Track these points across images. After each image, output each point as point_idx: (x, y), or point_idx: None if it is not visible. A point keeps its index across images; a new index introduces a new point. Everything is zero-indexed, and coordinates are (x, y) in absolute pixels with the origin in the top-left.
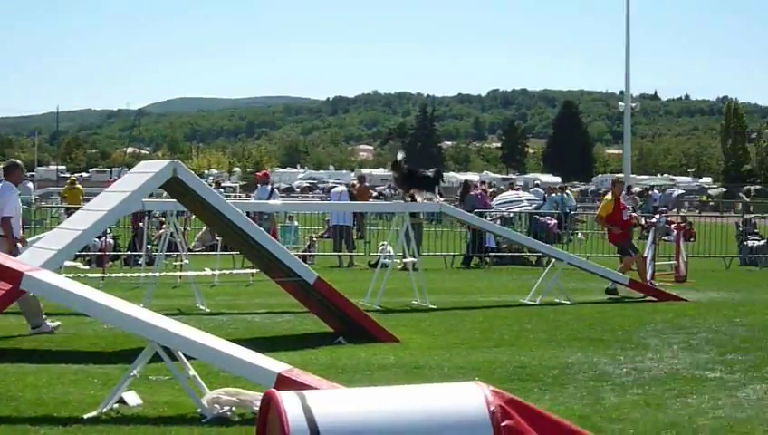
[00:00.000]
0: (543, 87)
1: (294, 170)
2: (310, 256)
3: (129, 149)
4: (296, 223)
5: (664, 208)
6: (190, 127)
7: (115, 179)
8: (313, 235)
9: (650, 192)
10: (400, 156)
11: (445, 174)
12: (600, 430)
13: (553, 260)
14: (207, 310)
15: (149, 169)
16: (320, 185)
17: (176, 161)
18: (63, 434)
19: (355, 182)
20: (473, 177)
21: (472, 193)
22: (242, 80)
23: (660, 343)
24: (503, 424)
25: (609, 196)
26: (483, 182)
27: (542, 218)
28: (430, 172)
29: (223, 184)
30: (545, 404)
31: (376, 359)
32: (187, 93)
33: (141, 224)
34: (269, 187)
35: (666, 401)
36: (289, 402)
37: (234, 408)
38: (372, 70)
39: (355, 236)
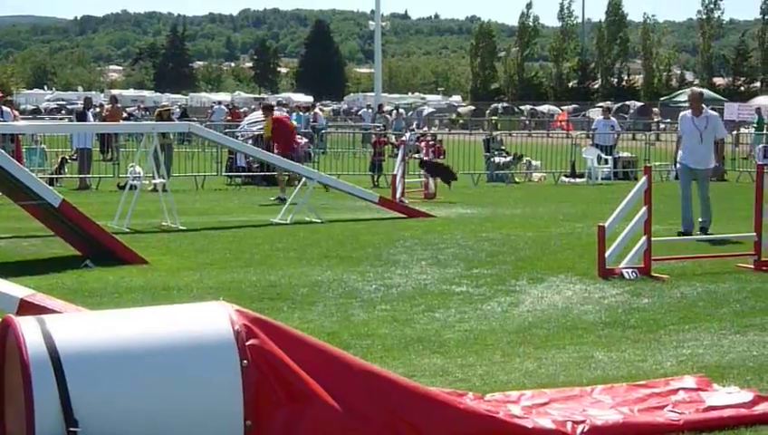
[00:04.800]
0: (295, 6)
1: (42, 92)
2: (58, 178)
3: None
4: (43, 145)
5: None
6: None
7: None
8: (66, 156)
9: (399, 111)
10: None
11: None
12: (349, 346)
13: (304, 179)
14: None
15: None
16: (68, 106)
17: None
18: None
19: (105, 103)
20: (225, 97)
21: None
22: None
23: (409, 260)
24: (248, 343)
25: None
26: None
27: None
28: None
29: None
30: (295, 322)
31: (124, 281)
32: None
33: None
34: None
35: (414, 316)
36: (27, 328)
37: None
38: None
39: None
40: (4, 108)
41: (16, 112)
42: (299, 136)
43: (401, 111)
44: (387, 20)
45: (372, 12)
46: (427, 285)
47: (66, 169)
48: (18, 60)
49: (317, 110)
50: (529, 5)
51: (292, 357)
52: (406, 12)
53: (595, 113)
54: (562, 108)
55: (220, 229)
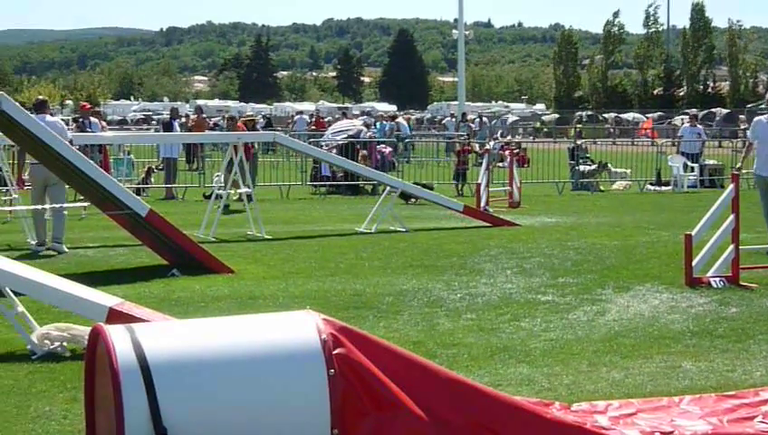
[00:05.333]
0: (379, 15)
1: (128, 102)
2: (144, 188)
3: None
4: (130, 155)
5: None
6: (20, 59)
7: None
8: (152, 166)
9: (483, 119)
10: None
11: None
12: (435, 355)
13: (388, 188)
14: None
15: None
16: (154, 117)
17: (1, 94)
18: None
19: (191, 114)
20: (309, 106)
21: None
22: (73, 11)
23: (494, 269)
24: (334, 352)
25: None
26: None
27: (376, 147)
28: None
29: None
30: (380, 331)
31: (210, 290)
32: (15, 25)
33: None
34: (93, 119)
35: (499, 325)
36: (117, 336)
37: (64, 343)
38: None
39: (192, 168)
40: (92, 119)
41: (104, 123)
42: (383, 145)
43: (485, 119)
44: (470, 29)
45: (456, 20)
46: (512, 294)
47: (152, 179)
48: (105, 71)
49: (401, 119)
50: (616, 13)
51: (378, 366)
52: (489, 20)
53: (681, 121)
54: (647, 116)
55: (305, 238)
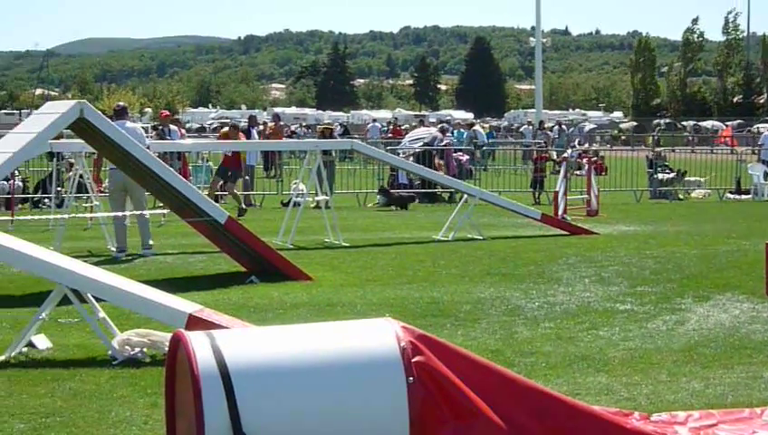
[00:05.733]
0: (455, 23)
1: (206, 110)
2: (222, 195)
3: (38, 91)
4: (208, 163)
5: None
6: (100, 68)
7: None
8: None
9: (561, 126)
10: None
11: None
12: (513, 363)
13: (466, 196)
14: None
15: (56, 109)
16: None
17: (83, 102)
18: None
19: (268, 121)
20: (386, 114)
21: None
22: (153, 20)
23: (572, 277)
24: (413, 360)
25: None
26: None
27: (453, 154)
28: None
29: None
30: (458, 340)
31: (288, 297)
32: (96, 34)
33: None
34: (172, 127)
35: (577, 333)
36: (198, 342)
37: (145, 349)
38: (283, 8)
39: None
40: (172, 126)
41: (183, 131)
42: (460, 153)
43: (564, 126)
44: (547, 36)
45: (533, 28)
46: (590, 303)
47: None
48: (183, 79)
49: (478, 126)
50: (695, 20)
51: (456, 374)
52: (566, 28)
53: (757, 129)
54: (727, 123)
55: (382, 246)
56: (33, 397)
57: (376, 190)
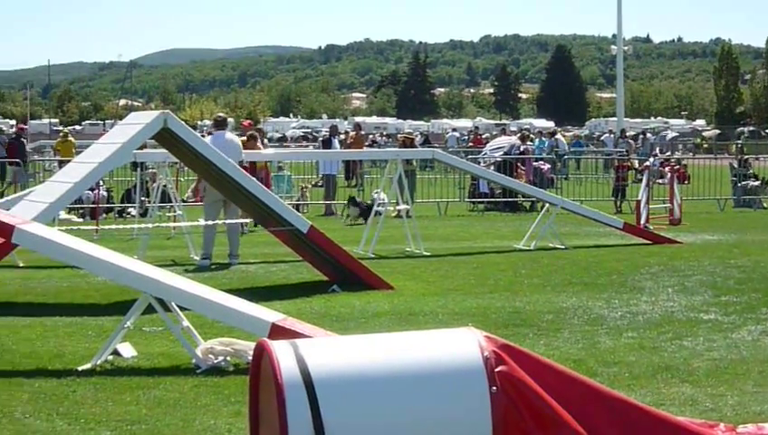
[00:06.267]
0: (536, 32)
1: (288, 120)
2: (303, 204)
3: (122, 102)
4: (288, 172)
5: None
6: (183, 78)
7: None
8: (303, 184)
9: (646, 135)
10: None
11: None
12: (596, 373)
13: (547, 205)
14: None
15: (140, 120)
16: (313, 134)
17: (166, 112)
18: (58, 386)
19: (349, 131)
20: (466, 123)
21: None
22: (234, 30)
23: (655, 286)
24: (496, 370)
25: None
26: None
27: (535, 163)
28: None
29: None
30: (540, 349)
31: (370, 306)
32: (179, 44)
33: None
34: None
35: (661, 343)
36: (282, 351)
37: (228, 358)
38: (364, 17)
39: (350, 184)
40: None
41: (265, 140)
42: (541, 162)
43: (649, 135)
44: (629, 44)
45: (614, 36)
46: (674, 313)
47: (308, 195)
48: (265, 89)
49: (559, 135)
50: None
51: (540, 384)
52: (648, 35)
53: None
54: None
55: (464, 255)
56: (118, 405)
57: (457, 199)
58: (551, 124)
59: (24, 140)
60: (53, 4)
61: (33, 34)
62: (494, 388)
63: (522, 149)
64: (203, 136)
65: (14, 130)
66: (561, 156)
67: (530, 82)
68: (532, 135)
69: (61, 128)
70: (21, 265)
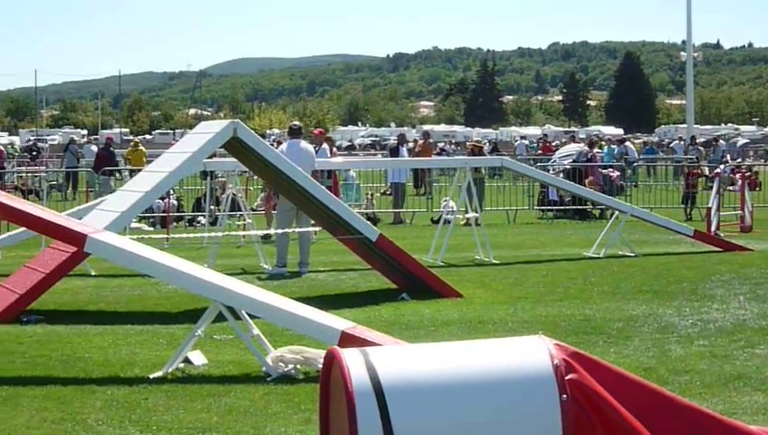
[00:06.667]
0: (604, 39)
1: (356, 128)
2: (372, 212)
3: (192, 111)
4: (357, 181)
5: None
6: (252, 87)
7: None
8: (368, 193)
9: (718, 142)
10: None
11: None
12: (666, 381)
13: (617, 212)
14: (271, 269)
15: (210, 129)
16: (381, 142)
17: (236, 121)
18: (130, 394)
19: (418, 139)
20: (534, 131)
21: None
22: (302, 39)
23: (726, 294)
24: (567, 378)
25: None
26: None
27: (604, 171)
28: None
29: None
30: (610, 357)
31: (440, 314)
32: (248, 54)
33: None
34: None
35: (732, 352)
36: (352, 359)
37: (298, 366)
38: (432, 25)
39: (419, 192)
40: (324, 145)
41: (334, 149)
42: (611, 169)
43: (722, 141)
44: (699, 50)
45: (683, 42)
46: (745, 321)
47: (374, 205)
48: (333, 97)
49: (628, 143)
50: None
51: (611, 393)
52: (718, 41)
53: None
54: None
55: (533, 263)
56: (189, 412)
57: (526, 207)
58: (619, 131)
59: (113, 150)
60: (123, 16)
61: (104, 45)
62: (565, 396)
63: (590, 156)
64: (272, 145)
65: (101, 139)
66: (631, 163)
67: (598, 89)
68: (602, 142)
69: (131, 137)
70: (93, 273)
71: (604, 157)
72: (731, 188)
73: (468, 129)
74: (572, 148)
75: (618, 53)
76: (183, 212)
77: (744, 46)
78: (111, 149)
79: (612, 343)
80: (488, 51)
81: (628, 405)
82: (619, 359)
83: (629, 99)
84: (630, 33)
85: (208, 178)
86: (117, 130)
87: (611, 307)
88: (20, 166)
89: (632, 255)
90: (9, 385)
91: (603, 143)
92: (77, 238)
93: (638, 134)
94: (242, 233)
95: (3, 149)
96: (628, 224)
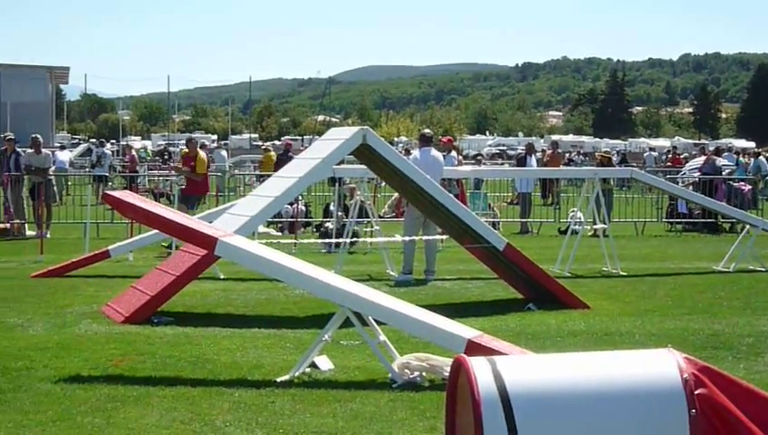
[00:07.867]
0: (737, 50)
1: (483, 137)
2: (497, 222)
3: (320, 117)
4: (484, 190)
5: None
6: (380, 95)
7: (306, 147)
8: (491, 203)
9: None
10: None
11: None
12: None
13: (748, 226)
14: (397, 276)
15: (339, 135)
16: (508, 152)
17: (365, 128)
18: (257, 397)
19: (546, 149)
20: (664, 143)
21: None
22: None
23: None
24: (696, 392)
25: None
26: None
27: (735, 184)
28: None
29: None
30: (740, 373)
31: (566, 325)
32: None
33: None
34: (452, 153)
35: None
36: (479, 368)
37: (424, 373)
38: (561, 35)
39: (547, 203)
40: (452, 153)
41: (461, 157)
42: (742, 182)
43: None
44: None
45: None
46: None
47: (498, 214)
48: (461, 106)
49: (762, 157)
50: None
51: (741, 409)
52: None
53: None
54: None
55: (661, 275)
56: (315, 417)
57: (654, 219)
58: (751, 145)
59: (292, 156)
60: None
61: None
62: (694, 411)
63: (721, 165)
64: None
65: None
66: (765, 176)
67: (730, 101)
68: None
69: (260, 143)
70: (222, 277)
71: (734, 170)
72: None
73: (596, 139)
74: (702, 160)
75: (751, 64)
76: (311, 218)
77: None
78: (290, 154)
79: (742, 358)
80: (618, 61)
81: (757, 422)
82: (748, 375)
83: (763, 111)
84: (764, 45)
85: (337, 184)
86: (246, 136)
87: (741, 322)
88: (151, 169)
89: (763, 269)
90: (140, 385)
91: (735, 155)
92: (207, 241)
93: None
94: (369, 240)
95: (135, 154)
96: (759, 238)
